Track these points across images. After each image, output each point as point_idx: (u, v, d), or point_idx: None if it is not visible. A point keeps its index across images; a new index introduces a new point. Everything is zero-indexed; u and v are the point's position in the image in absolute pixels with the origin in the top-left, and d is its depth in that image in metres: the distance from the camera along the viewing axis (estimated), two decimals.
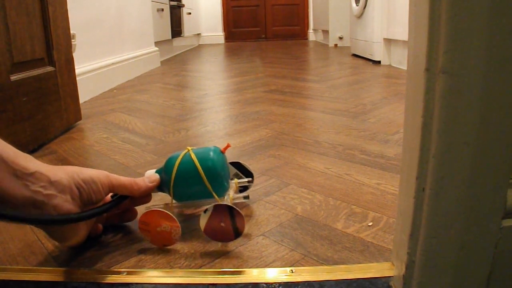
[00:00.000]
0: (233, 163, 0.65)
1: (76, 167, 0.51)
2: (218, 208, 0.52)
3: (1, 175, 0.42)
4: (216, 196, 0.56)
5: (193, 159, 0.56)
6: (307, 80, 2.05)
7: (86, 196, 0.50)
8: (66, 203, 0.47)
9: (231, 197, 0.58)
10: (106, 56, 1.94)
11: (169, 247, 0.54)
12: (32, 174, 0.45)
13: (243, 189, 0.67)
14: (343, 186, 0.72)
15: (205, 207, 0.53)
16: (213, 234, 0.53)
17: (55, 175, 0.47)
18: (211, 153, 0.58)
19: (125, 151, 0.96)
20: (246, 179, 0.64)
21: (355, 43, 3.07)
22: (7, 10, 0.87)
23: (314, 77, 2.10)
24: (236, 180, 0.63)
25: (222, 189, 0.57)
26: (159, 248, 0.54)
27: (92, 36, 1.77)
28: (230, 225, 0.53)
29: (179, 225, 0.53)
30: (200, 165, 0.56)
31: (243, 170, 0.66)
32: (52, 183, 0.46)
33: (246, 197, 0.60)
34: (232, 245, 0.54)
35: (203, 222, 0.53)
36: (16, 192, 0.43)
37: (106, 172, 0.53)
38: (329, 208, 0.63)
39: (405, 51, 2.27)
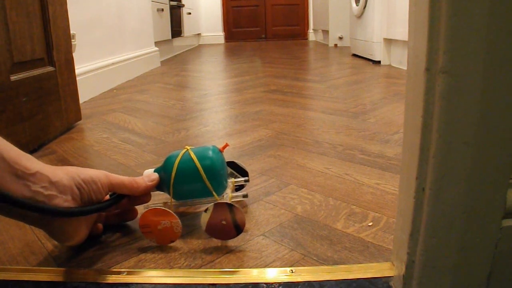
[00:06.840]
0: (228, 163, 0.65)
1: (76, 167, 0.51)
2: (219, 206, 0.53)
3: (1, 175, 0.42)
4: (215, 195, 0.56)
5: (193, 158, 0.57)
6: (307, 80, 2.05)
7: (87, 196, 0.50)
8: (66, 203, 0.47)
9: (230, 195, 0.58)
10: (106, 56, 1.94)
11: (170, 245, 0.54)
12: (33, 175, 0.45)
13: (239, 187, 0.67)
14: (343, 186, 0.72)
15: (205, 207, 0.53)
16: (215, 232, 0.54)
17: (56, 175, 0.47)
18: (210, 152, 0.58)
19: (125, 151, 0.96)
20: (243, 178, 0.65)
21: (355, 43, 3.07)
22: (7, 10, 0.87)
23: (314, 77, 2.10)
24: (233, 180, 0.63)
25: (221, 188, 0.58)
26: (164, 246, 0.54)
27: (92, 36, 1.77)
28: (231, 223, 0.53)
29: (177, 217, 0.53)
30: (200, 164, 0.56)
31: (238, 170, 0.67)
32: (52, 183, 0.46)
33: (245, 196, 0.60)
34: (232, 245, 0.54)
35: (204, 221, 0.53)
36: (17, 192, 0.43)
37: (105, 172, 0.53)
38: (329, 208, 0.63)
39: (405, 51, 2.27)
